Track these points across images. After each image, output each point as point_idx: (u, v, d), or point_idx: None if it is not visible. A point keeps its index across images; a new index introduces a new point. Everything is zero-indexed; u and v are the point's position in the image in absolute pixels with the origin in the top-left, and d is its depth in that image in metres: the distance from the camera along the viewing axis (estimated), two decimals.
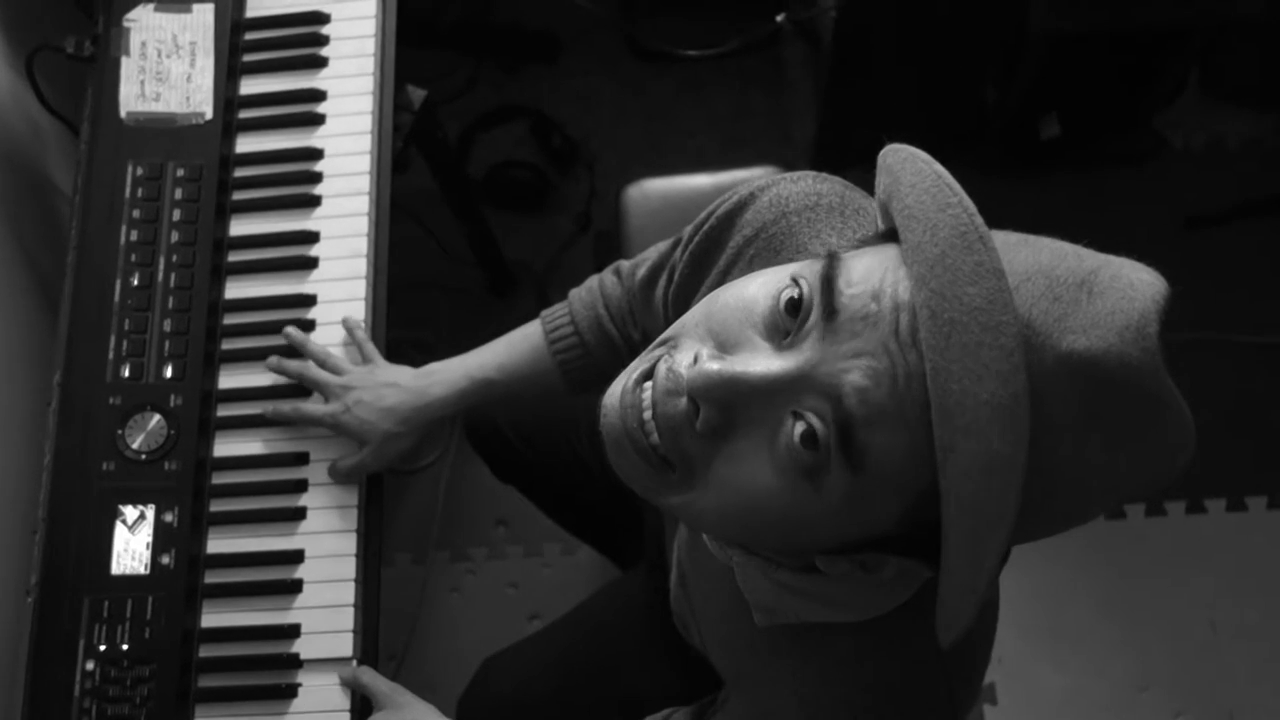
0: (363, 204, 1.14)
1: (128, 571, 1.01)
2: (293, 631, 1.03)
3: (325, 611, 1.04)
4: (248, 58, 1.19)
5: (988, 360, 0.47)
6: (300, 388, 1.09)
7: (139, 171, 1.12)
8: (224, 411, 1.09)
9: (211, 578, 1.04)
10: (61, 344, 1.08)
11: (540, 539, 1.83)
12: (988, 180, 1.95)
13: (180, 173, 1.12)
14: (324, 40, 1.19)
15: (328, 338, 1.11)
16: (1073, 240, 0.55)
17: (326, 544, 1.06)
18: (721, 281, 0.77)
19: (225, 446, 1.08)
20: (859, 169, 0.71)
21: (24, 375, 1.18)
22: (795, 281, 0.55)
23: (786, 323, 0.55)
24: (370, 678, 1.01)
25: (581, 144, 2.06)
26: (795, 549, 0.64)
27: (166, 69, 1.15)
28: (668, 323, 0.66)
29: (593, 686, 1.16)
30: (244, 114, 1.17)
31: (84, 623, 1.00)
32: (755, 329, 0.56)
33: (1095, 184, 2.02)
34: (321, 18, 1.20)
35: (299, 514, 1.06)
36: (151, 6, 1.17)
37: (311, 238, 1.13)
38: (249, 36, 1.20)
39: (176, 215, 1.11)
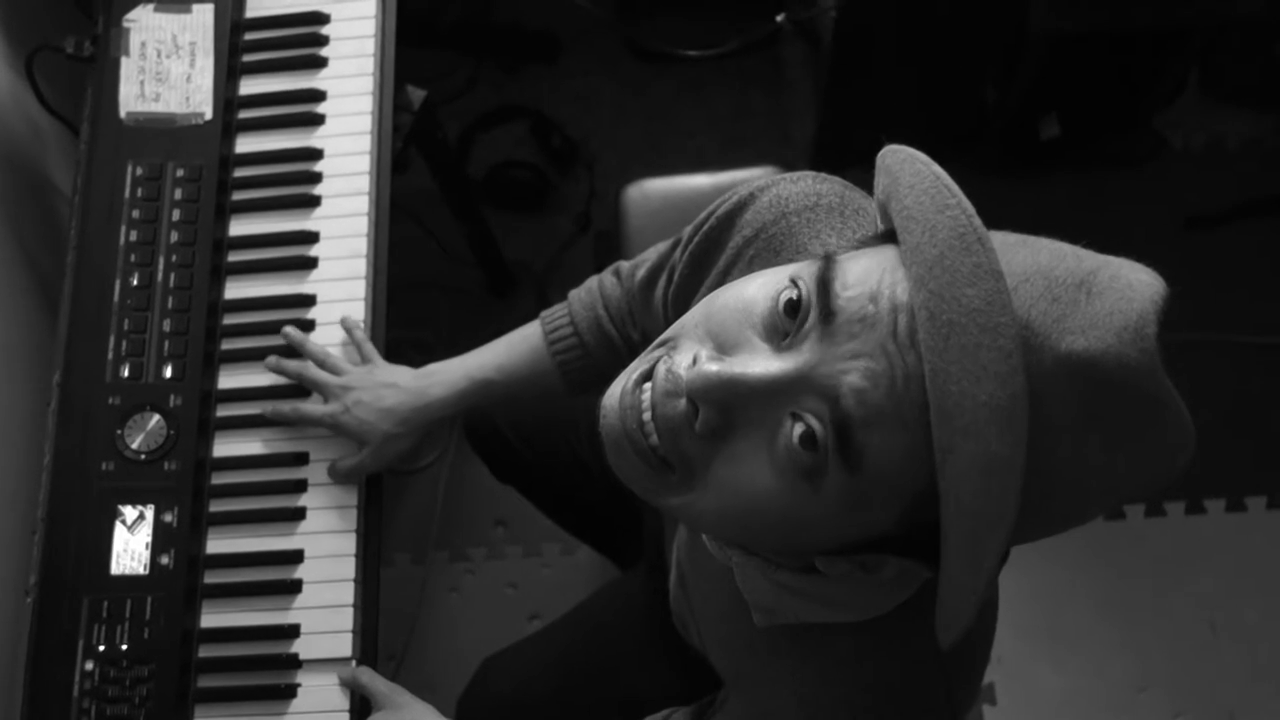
0: (362, 204, 1.14)
1: (127, 572, 1.01)
2: (292, 632, 1.03)
3: (324, 612, 1.04)
4: (247, 58, 1.19)
5: (986, 362, 0.47)
6: (300, 388, 1.09)
7: (139, 172, 1.12)
8: (223, 412, 1.09)
9: (211, 578, 1.04)
10: (61, 344, 1.08)
11: (539, 539, 1.83)
12: (987, 180, 1.96)
13: (180, 173, 1.12)
14: (324, 40, 1.19)
15: (327, 338, 1.11)
16: (1072, 241, 0.55)
17: (326, 544, 1.06)
18: (721, 282, 0.77)
19: (225, 447, 1.08)
20: (859, 169, 0.71)
21: (24, 375, 1.18)
22: (794, 283, 0.55)
23: (785, 324, 0.55)
24: (369, 678, 1.01)
25: (581, 144, 2.06)
26: (795, 550, 0.64)
27: (166, 69, 1.15)
28: (667, 323, 0.66)
29: (592, 687, 1.16)
30: (244, 114, 1.17)
31: (83, 623, 1.00)
32: (754, 330, 0.56)
33: (1095, 184, 2.02)
34: (321, 18, 1.20)
35: (298, 514, 1.06)
36: (151, 7, 1.17)
37: (311, 238, 1.13)
38: (249, 37, 1.20)
39: (176, 215, 1.11)
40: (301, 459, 1.08)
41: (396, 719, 0.98)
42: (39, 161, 1.28)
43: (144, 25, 1.17)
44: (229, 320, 1.11)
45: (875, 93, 1.84)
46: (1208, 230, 1.98)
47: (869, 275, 0.53)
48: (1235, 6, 1.61)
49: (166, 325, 1.08)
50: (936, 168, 0.53)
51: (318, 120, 1.17)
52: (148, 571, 1.01)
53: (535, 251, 1.99)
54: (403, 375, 1.07)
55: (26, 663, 1.00)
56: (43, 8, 1.29)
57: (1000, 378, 0.47)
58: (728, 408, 0.54)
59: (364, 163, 1.15)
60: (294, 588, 1.04)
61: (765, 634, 0.74)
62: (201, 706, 1.01)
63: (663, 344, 0.61)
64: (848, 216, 0.75)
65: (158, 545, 1.02)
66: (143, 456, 1.04)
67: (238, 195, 1.15)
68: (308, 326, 1.11)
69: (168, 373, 1.06)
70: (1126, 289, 0.50)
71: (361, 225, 1.14)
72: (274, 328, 1.10)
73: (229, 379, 1.10)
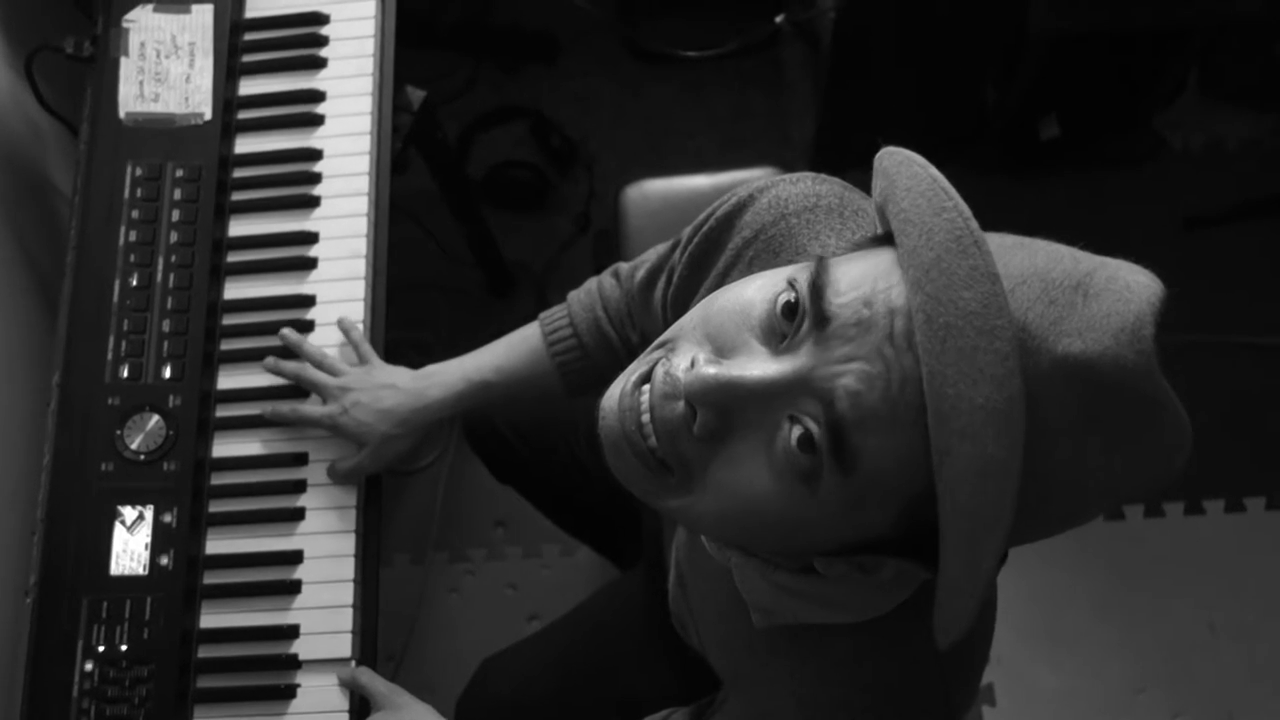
0: (362, 204, 1.14)
1: (126, 572, 1.01)
2: (291, 632, 1.03)
3: (324, 612, 1.04)
4: (247, 58, 1.19)
5: (983, 364, 0.47)
6: (299, 389, 1.09)
7: (138, 172, 1.12)
8: (223, 412, 1.09)
9: (210, 578, 1.04)
10: (60, 344, 1.08)
11: (539, 540, 1.83)
12: (987, 181, 1.97)
13: (179, 173, 1.12)
14: (323, 41, 1.19)
15: (327, 338, 1.11)
16: (1070, 242, 0.55)
17: (325, 545, 1.06)
18: (720, 283, 0.78)
19: (224, 447, 1.08)
20: (858, 170, 0.72)
21: (23, 376, 1.18)
22: (791, 285, 0.55)
23: (783, 326, 0.55)
24: (369, 678, 1.01)
25: (581, 144, 2.06)
26: (793, 551, 0.64)
27: (165, 69, 1.15)
28: (667, 325, 0.66)
29: (591, 687, 1.16)
30: (243, 114, 1.17)
31: (83, 623, 1.00)
32: (752, 332, 0.56)
33: (1094, 185, 2.02)
34: (321, 18, 1.20)
35: (298, 515, 1.06)
36: (150, 7, 1.17)
37: (310, 238, 1.13)
38: (248, 37, 1.20)
39: (175, 216, 1.11)
40: (301, 459, 1.08)
41: (396, 719, 0.98)
42: (39, 162, 1.28)
43: (143, 25, 1.17)
44: (228, 321, 1.11)
45: (875, 93, 1.84)
46: (1207, 231, 1.99)
47: (863, 279, 0.53)
48: (1235, 6, 1.61)
49: (166, 325, 1.08)
50: (933, 170, 0.53)
51: (317, 121, 1.17)
52: (147, 572, 1.01)
53: (535, 252, 1.99)
54: (401, 376, 1.07)
55: (26, 663, 1.00)
56: (42, 8, 1.29)
57: (997, 380, 0.47)
58: (725, 410, 0.55)
59: (363, 163, 1.16)
60: (293, 588, 1.04)
61: (764, 634, 0.74)
62: (201, 707, 1.01)
63: (661, 346, 0.61)
64: (847, 218, 0.75)
65: (157, 546, 1.02)
66: (142, 457, 1.04)
67: (237, 196, 1.15)
68: (307, 327, 1.11)
69: (167, 373, 1.06)
70: (1124, 290, 0.50)
71: (361, 226, 1.14)
72: (273, 328, 1.10)
73: (228, 379, 1.10)
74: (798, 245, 0.75)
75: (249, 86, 1.18)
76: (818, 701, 0.71)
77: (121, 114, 1.14)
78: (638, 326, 0.99)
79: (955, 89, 1.88)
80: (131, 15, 1.17)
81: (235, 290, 1.12)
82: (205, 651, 1.02)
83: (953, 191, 0.52)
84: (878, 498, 0.53)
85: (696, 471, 0.57)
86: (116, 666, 0.99)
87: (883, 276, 0.53)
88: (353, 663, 1.03)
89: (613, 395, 0.60)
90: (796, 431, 0.53)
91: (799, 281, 0.54)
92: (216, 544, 1.05)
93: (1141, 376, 0.49)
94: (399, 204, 1.19)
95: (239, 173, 1.15)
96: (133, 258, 1.09)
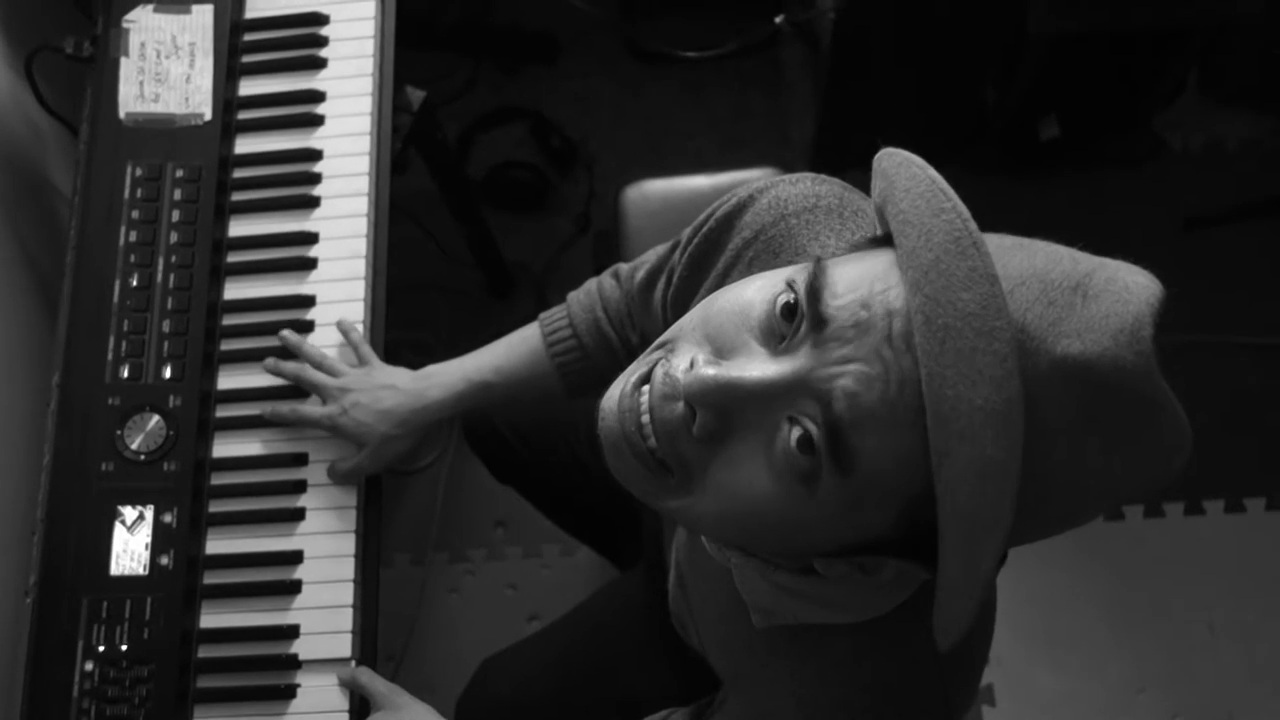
0: (362, 205, 1.14)
1: (126, 572, 1.01)
2: (291, 632, 1.03)
3: (324, 612, 1.04)
4: (247, 59, 1.19)
5: (981, 365, 0.47)
6: (299, 389, 1.09)
7: (138, 172, 1.12)
8: (223, 412, 1.09)
9: (210, 578, 1.04)
10: (60, 345, 1.08)
11: (539, 540, 1.83)
12: (987, 181, 1.97)
13: (179, 173, 1.12)
14: (323, 41, 1.19)
15: (326, 339, 1.11)
16: (1070, 242, 0.55)
17: (325, 545, 1.06)
18: (720, 283, 0.78)
19: (224, 447, 1.08)
20: (858, 170, 0.72)
21: (23, 376, 1.18)
22: (789, 286, 0.55)
23: (782, 327, 0.55)
24: (369, 678, 1.01)
25: (581, 145, 2.06)
26: (793, 551, 0.64)
27: (165, 70, 1.15)
28: (667, 325, 0.66)
29: (591, 687, 1.16)
30: (243, 115, 1.17)
31: (83, 623, 1.00)
32: (751, 333, 0.56)
33: (1094, 185, 2.02)
34: (320, 19, 1.20)
35: (298, 515, 1.06)
36: (151, 7, 1.17)
37: (310, 239, 1.13)
38: (248, 37, 1.20)
39: (176, 216, 1.11)
40: (301, 460, 1.08)
41: (395, 719, 0.98)
42: (38, 162, 1.29)
43: (143, 26, 1.17)
44: (228, 321, 1.11)
45: (874, 94, 1.84)
46: (1207, 231, 1.99)
47: (862, 281, 0.53)
48: (1235, 6, 1.61)
49: (166, 326, 1.08)
50: (932, 171, 0.53)
51: (317, 121, 1.17)
52: (147, 572, 1.01)
53: (534, 252, 1.99)
54: (401, 377, 1.07)
55: (26, 663, 1.00)
56: (42, 8, 1.29)
57: (996, 381, 0.47)
58: (725, 411, 0.55)
59: (363, 164, 1.16)
60: (293, 588, 1.04)
61: (764, 635, 0.74)
62: (201, 707, 1.01)
63: (661, 346, 0.61)
64: (847, 218, 0.75)
65: (157, 546, 1.02)
66: (142, 457, 1.04)
67: (237, 196, 1.15)
68: (307, 327, 1.11)
69: (167, 373, 1.06)
70: (1123, 291, 0.50)
71: (361, 226, 1.14)
72: (273, 328, 1.10)
73: (228, 380, 1.10)
74: (797, 246, 0.75)
75: (249, 87, 1.18)
76: (817, 702, 0.71)
77: (121, 114, 1.14)
78: (637, 327, 0.99)
79: (955, 89, 1.88)
80: (131, 15, 1.17)
81: (235, 290, 1.12)
82: (205, 651, 1.02)
83: (951, 193, 0.52)
84: (876, 498, 0.53)
85: (696, 472, 0.57)
86: (116, 666, 0.99)
87: (881, 278, 0.53)
88: (353, 663, 1.03)
89: (612, 396, 0.60)
90: (796, 433, 0.53)
91: (797, 283, 0.55)
92: (216, 544, 1.05)
93: (1140, 377, 0.49)
94: (399, 204, 1.19)
95: (239, 173, 1.16)
96: (133, 258, 1.10)
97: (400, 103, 1.29)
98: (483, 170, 2.01)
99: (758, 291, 0.57)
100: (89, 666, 0.99)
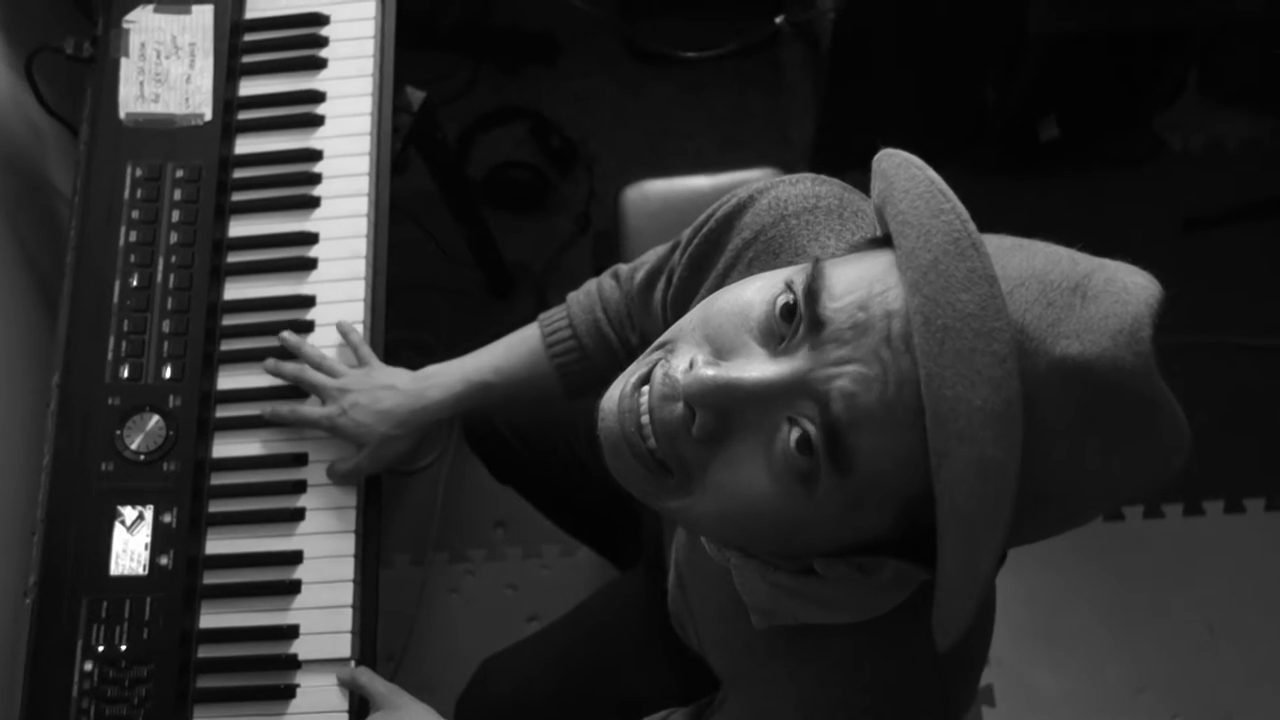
0: (362, 205, 1.14)
1: (126, 572, 1.01)
2: (291, 632, 1.03)
3: (323, 612, 1.04)
4: (247, 59, 1.19)
5: (980, 366, 0.47)
6: (299, 389, 1.09)
7: (138, 172, 1.12)
8: (223, 413, 1.09)
9: (210, 578, 1.04)
10: (60, 345, 1.08)
11: (539, 540, 1.83)
12: (987, 182, 1.97)
13: (179, 174, 1.12)
14: (323, 42, 1.19)
15: (326, 339, 1.11)
16: (1070, 243, 0.55)
17: (325, 545, 1.06)
18: (720, 284, 0.78)
19: (224, 447, 1.08)
20: (858, 171, 0.72)
21: (23, 376, 1.18)
22: (788, 287, 0.55)
23: (782, 328, 0.55)
24: (368, 678, 1.01)
25: (580, 145, 2.06)
26: (792, 552, 0.64)
27: (166, 70, 1.15)
28: (666, 326, 0.66)
29: (591, 687, 1.16)
30: (243, 115, 1.17)
31: (82, 623, 1.00)
32: (751, 334, 0.56)
33: (1094, 186, 2.02)
34: (321, 19, 1.20)
35: (298, 515, 1.06)
36: (151, 8, 1.17)
37: (310, 239, 1.13)
38: (248, 38, 1.20)
39: (176, 216, 1.11)
40: (300, 460, 1.08)
41: (395, 719, 0.98)
42: (39, 162, 1.29)
43: (143, 26, 1.17)
44: (228, 321, 1.11)
45: (874, 94, 1.84)
46: (1207, 232, 1.99)
47: (860, 282, 0.53)
48: (1235, 6, 1.61)
49: (166, 326, 1.08)
50: (931, 172, 0.53)
51: (317, 121, 1.17)
52: (147, 572, 1.01)
53: (534, 252, 1.99)
54: (400, 377, 1.07)
55: (26, 663, 1.00)
56: (42, 8, 1.29)
57: (995, 382, 0.47)
58: (724, 412, 0.55)
59: (363, 164, 1.16)
60: (293, 588, 1.04)
61: (763, 635, 0.74)
62: (200, 707, 1.01)
63: (660, 347, 0.61)
64: (846, 219, 0.75)
65: (157, 546, 1.02)
66: (142, 457, 1.04)
67: (237, 196, 1.15)
68: (307, 327, 1.11)
69: (167, 373, 1.06)
70: (1122, 292, 0.50)
71: (361, 226, 1.14)
72: (273, 329, 1.10)
73: (228, 380, 1.10)
74: (797, 246, 0.75)
75: (249, 87, 1.18)
76: (817, 702, 0.71)
77: (122, 114, 1.14)
78: (637, 328, 0.99)
79: (955, 89, 1.88)
80: (132, 16, 1.17)
81: (235, 291, 1.12)
82: (205, 651, 1.02)
83: (950, 194, 0.52)
84: (875, 499, 0.53)
85: (696, 473, 0.57)
86: (116, 666, 0.99)
87: (879, 279, 0.53)
88: (352, 663, 1.03)
89: (612, 396, 0.60)
90: (795, 434, 0.53)
91: (796, 284, 0.55)
92: (216, 544, 1.05)
93: (1139, 378, 0.49)
94: (399, 204, 1.19)
95: (239, 173, 1.16)
96: (133, 258, 1.10)
97: (400, 103, 1.29)
98: (483, 170, 2.01)
99: (757, 292, 0.57)
100: (88, 666, 0.99)
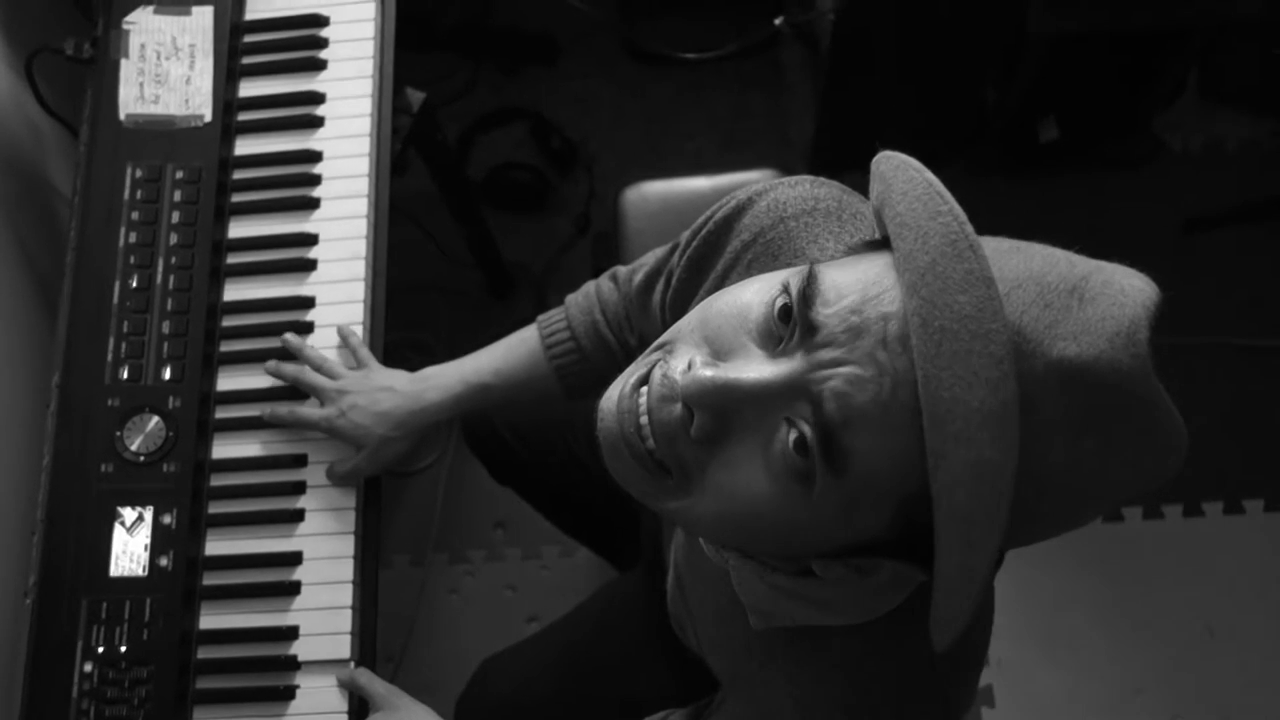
0: (361, 206, 1.14)
1: (126, 573, 1.01)
2: (291, 633, 1.03)
3: (323, 613, 1.04)
4: (247, 60, 1.19)
5: (978, 367, 0.47)
6: (299, 391, 1.09)
7: (138, 173, 1.12)
8: (222, 414, 1.09)
9: (210, 579, 1.04)
10: (60, 346, 1.08)
11: (538, 541, 1.83)
12: (986, 182, 1.97)
13: (179, 175, 1.12)
14: (323, 43, 1.19)
15: (326, 340, 1.11)
16: (1069, 244, 0.55)
17: (324, 546, 1.06)
18: (719, 286, 0.78)
19: (224, 449, 1.08)
20: (857, 172, 0.72)
21: (23, 376, 1.18)
22: (786, 289, 0.55)
23: (780, 329, 0.55)
24: (368, 679, 1.01)
25: (580, 146, 2.06)
26: (790, 553, 0.64)
27: (166, 71, 1.15)
28: (665, 327, 0.67)
29: (590, 688, 1.16)
30: (243, 116, 1.17)
31: (82, 624, 1.00)
32: (749, 335, 0.56)
33: (1094, 187, 2.02)
34: (320, 20, 1.20)
35: (297, 516, 1.06)
36: (151, 9, 1.17)
37: (310, 240, 1.13)
38: (248, 39, 1.20)
39: (175, 217, 1.11)
40: (300, 461, 1.08)
41: (394, 719, 0.98)
42: (39, 163, 1.29)
43: (144, 27, 1.17)
44: (228, 322, 1.11)
45: (874, 95, 1.84)
46: (1206, 233, 1.99)
47: (855, 285, 0.53)
48: (1235, 6, 1.61)
49: (166, 327, 1.08)
50: (929, 174, 0.53)
51: (317, 122, 1.17)
52: (146, 573, 1.01)
53: (534, 253, 2.00)
54: (399, 379, 1.07)
55: (25, 664, 1.00)
56: (42, 9, 1.30)
57: (992, 384, 0.47)
58: (722, 413, 0.55)
59: (363, 165, 1.16)
60: (293, 589, 1.04)
61: (762, 636, 0.74)
62: (200, 708, 1.01)
63: (659, 348, 0.61)
64: (845, 221, 0.75)
65: (157, 547, 1.02)
66: (142, 458, 1.04)
67: (237, 197, 1.15)
68: (306, 328, 1.11)
69: (167, 374, 1.07)
70: (1119, 294, 0.50)
71: (361, 227, 1.14)
72: (273, 330, 1.10)
73: (228, 381, 1.10)
74: (796, 248, 0.75)
75: (249, 88, 1.19)
76: (816, 703, 0.71)
77: (122, 115, 1.14)
78: (636, 330, 1.00)
79: (955, 90, 1.88)
80: (132, 17, 1.17)
81: (235, 292, 1.12)
82: (205, 653, 1.02)
83: (948, 196, 0.52)
84: (872, 499, 0.53)
85: (694, 474, 0.57)
86: (116, 667, 0.99)
87: (876, 282, 0.53)
88: (352, 664, 1.03)
89: (611, 397, 0.60)
90: (792, 435, 0.53)
91: (791, 288, 0.55)
92: (216, 545, 1.05)
93: (1136, 380, 0.49)
94: (399, 205, 1.20)
95: (239, 174, 1.16)
96: (133, 259, 1.10)
97: (400, 104, 1.29)
98: (483, 171, 2.01)
99: (756, 294, 0.57)
100: (88, 667, 0.99)
